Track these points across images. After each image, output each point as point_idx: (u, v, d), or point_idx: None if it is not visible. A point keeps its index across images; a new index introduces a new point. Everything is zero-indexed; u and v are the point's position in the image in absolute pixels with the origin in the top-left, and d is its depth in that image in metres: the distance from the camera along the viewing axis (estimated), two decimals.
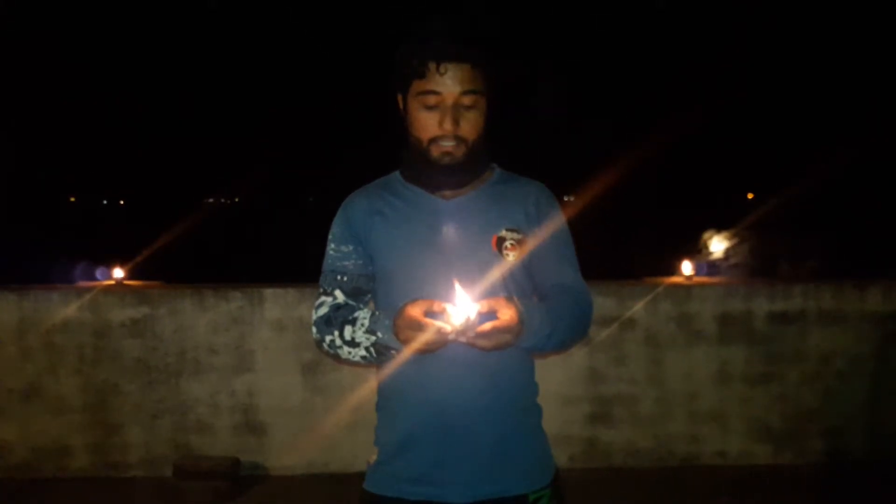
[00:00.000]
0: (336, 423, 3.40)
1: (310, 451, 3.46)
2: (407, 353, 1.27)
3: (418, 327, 1.21)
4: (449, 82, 1.32)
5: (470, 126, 1.36)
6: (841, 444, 3.55)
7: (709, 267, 4.03)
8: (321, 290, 1.45)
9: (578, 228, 1.56)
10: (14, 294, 3.41)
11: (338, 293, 1.43)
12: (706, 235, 4.81)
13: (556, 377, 3.42)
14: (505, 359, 1.34)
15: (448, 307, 1.20)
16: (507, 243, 1.38)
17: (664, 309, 3.51)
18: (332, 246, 1.46)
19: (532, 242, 1.40)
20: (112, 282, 3.68)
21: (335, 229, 1.47)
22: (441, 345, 1.23)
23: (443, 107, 1.34)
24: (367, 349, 1.34)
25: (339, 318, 1.38)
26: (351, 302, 1.43)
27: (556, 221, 1.44)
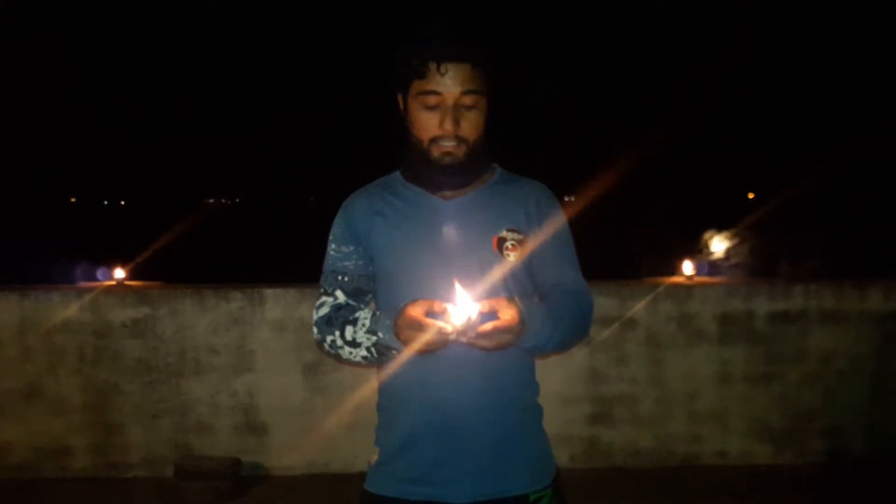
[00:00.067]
0: (336, 424, 3.40)
1: (310, 452, 3.46)
2: (408, 353, 1.27)
3: (419, 327, 1.21)
4: (449, 82, 1.32)
5: (470, 126, 1.36)
6: (841, 444, 3.55)
7: (709, 267, 4.02)
8: (322, 290, 1.45)
9: (579, 228, 1.56)
10: (15, 294, 3.41)
11: (339, 293, 1.43)
12: (707, 235, 4.81)
13: (556, 377, 3.42)
14: (506, 359, 1.34)
15: (449, 307, 1.19)
16: (508, 243, 1.38)
17: (665, 309, 3.51)
18: (333, 246, 1.46)
19: (533, 243, 1.40)
20: (113, 282, 3.69)
21: (336, 230, 1.47)
22: (442, 345, 1.23)
23: (443, 107, 1.34)
24: (368, 349, 1.34)
25: (340, 318, 1.38)
26: (352, 302, 1.43)
27: (557, 221, 1.44)
